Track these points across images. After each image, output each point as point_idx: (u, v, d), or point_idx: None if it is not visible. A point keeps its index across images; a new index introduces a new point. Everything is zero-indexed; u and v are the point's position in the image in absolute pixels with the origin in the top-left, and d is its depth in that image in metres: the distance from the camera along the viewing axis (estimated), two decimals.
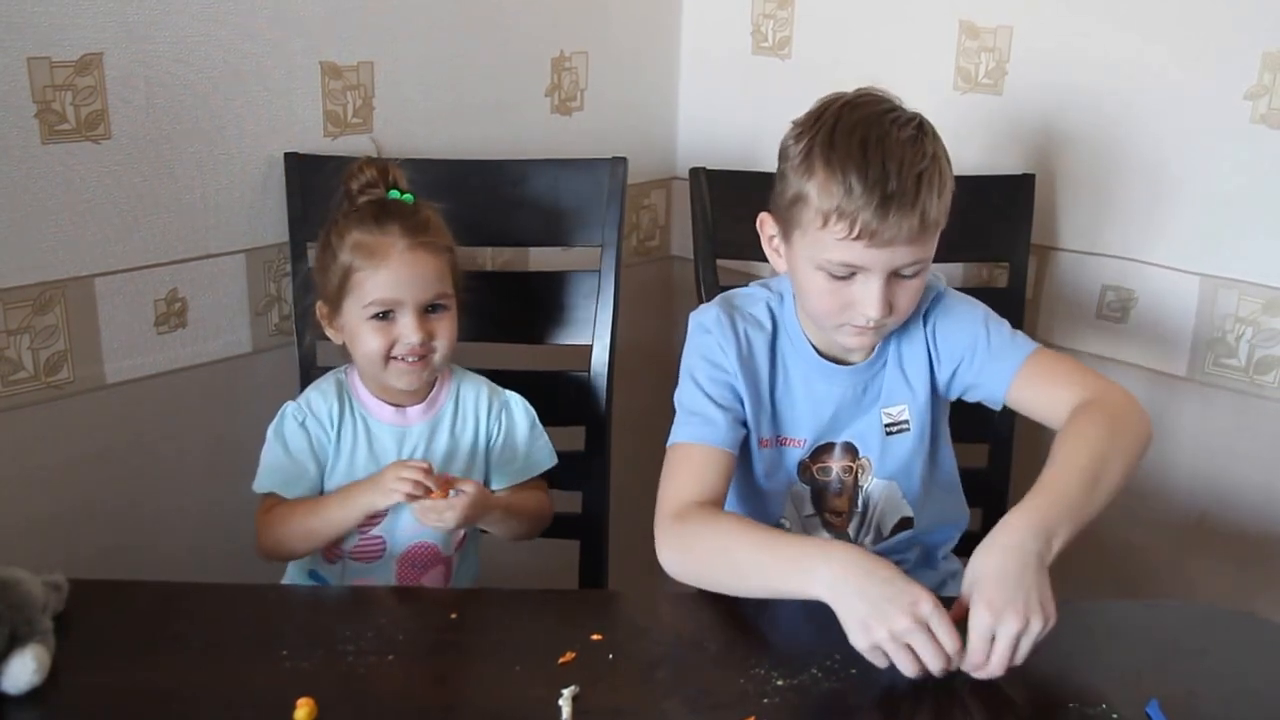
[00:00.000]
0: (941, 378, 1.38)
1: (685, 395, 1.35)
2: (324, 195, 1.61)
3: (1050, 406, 1.30)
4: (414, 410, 1.47)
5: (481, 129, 1.84)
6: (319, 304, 1.46)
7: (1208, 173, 1.64)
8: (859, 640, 1.07)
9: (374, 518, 1.41)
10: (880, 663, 1.07)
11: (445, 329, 1.43)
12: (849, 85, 1.31)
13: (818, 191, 1.22)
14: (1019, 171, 1.74)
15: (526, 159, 1.71)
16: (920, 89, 1.81)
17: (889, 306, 1.26)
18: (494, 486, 1.51)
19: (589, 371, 1.67)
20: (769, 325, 1.38)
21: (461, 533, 1.47)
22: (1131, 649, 1.14)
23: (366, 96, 1.70)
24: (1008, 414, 1.72)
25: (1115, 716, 1.02)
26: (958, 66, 1.80)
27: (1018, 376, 1.32)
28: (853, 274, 1.25)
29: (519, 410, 1.53)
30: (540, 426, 1.54)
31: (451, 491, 1.34)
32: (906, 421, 1.38)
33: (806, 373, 1.37)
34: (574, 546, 1.70)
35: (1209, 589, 1.74)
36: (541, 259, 1.86)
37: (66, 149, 1.45)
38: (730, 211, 1.68)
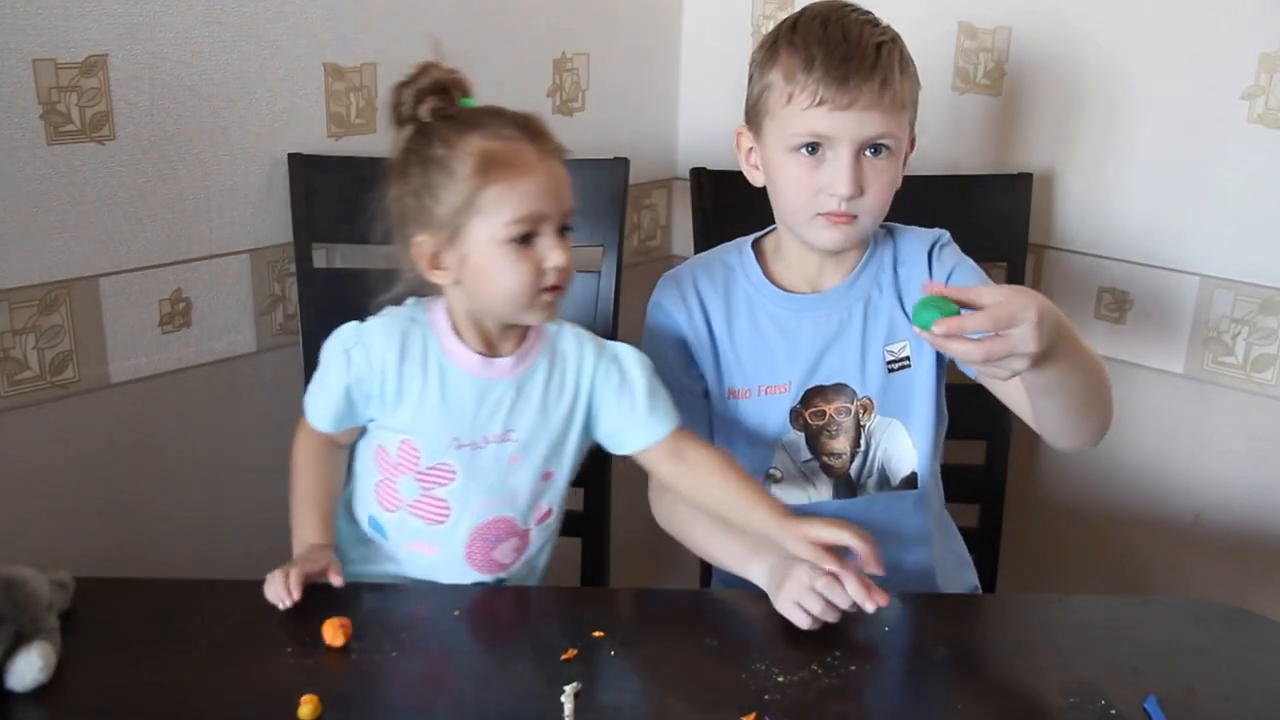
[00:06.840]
0: None
1: None
2: (328, 195, 1.63)
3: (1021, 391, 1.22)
4: (503, 363, 1.27)
5: None
6: (417, 241, 1.22)
7: (1205, 173, 1.64)
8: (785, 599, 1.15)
9: (443, 478, 1.27)
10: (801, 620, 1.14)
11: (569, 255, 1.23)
12: None
13: (782, 73, 1.27)
14: (1017, 171, 1.75)
15: None
16: None
17: (859, 186, 1.26)
18: (629, 450, 1.32)
19: None
20: (720, 274, 1.40)
21: (546, 506, 1.33)
22: (1130, 645, 1.15)
23: (370, 97, 1.71)
24: (1005, 410, 1.73)
25: (1114, 712, 1.03)
26: (956, 67, 1.81)
27: None
28: (821, 152, 1.27)
29: (630, 362, 1.31)
30: (659, 380, 1.33)
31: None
32: (908, 358, 1.35)
33: (773, 312, 1.37)
34: (576, 544, 1.71)
35: (1206, 585, 1.75)
36: None
37: (71, 150, 1.46)
38: (730, 212, 1.68)
